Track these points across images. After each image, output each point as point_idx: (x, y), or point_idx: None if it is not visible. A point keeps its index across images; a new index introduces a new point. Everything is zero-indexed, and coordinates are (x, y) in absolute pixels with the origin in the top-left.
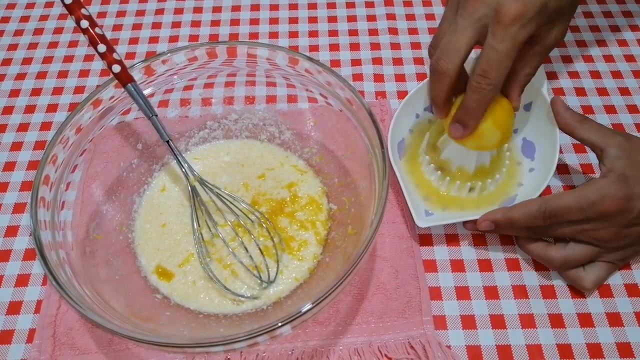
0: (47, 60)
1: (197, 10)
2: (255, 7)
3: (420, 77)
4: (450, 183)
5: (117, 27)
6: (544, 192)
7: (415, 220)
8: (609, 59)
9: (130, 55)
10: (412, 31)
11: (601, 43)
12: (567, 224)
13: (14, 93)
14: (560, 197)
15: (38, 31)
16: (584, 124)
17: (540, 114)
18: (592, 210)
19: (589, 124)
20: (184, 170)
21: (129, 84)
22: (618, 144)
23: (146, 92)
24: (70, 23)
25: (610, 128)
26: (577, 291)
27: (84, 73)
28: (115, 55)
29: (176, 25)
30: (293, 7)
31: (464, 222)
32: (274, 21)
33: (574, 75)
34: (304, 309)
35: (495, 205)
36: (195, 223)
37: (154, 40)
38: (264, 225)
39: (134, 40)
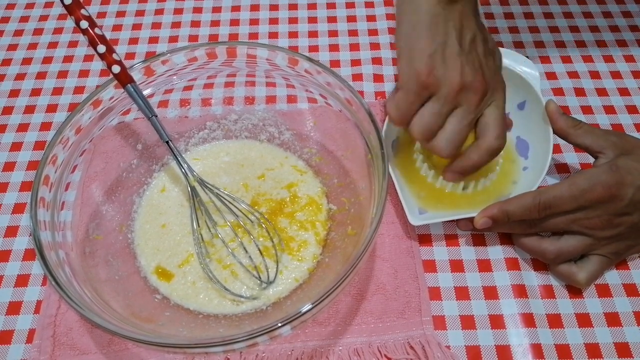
0: (47, 60)
1: (197, 10)
2: (255, 7)
3: None
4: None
5: (116, 28)
6: None
7: (408, 218)
8: (608, 59)
9: (130, 56)
10: None
11: (601, 43)
12: (560, 214)
13: (14, 93)
14: (553, 188)
15: (38, 31)
16: (578, 129)
17: (534, 113)
18: (584, 198)
19: (582, 128)
20: (183, 170)
21: (129, 85)
22: (612, 145)
23: (146, 92)
24: (70, 23)
25: (603, 129)
26: (576, 291)
27: (84, 73)
28: (114, 56)
29: (176, 25)
30: (293, 7)
31: (458, 222)
32: (273, 21)
33: (573, 75)
34: (304, 310)
35: (489, 203)
36: (194, 223)
37: (153, 40)
38: (263, 225)
39: (133, 41)
